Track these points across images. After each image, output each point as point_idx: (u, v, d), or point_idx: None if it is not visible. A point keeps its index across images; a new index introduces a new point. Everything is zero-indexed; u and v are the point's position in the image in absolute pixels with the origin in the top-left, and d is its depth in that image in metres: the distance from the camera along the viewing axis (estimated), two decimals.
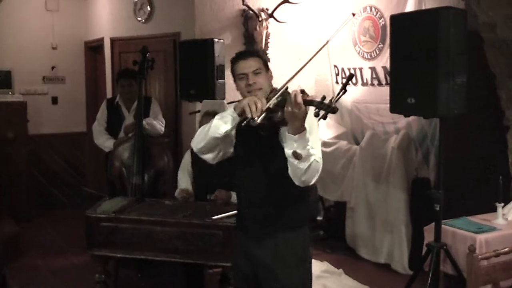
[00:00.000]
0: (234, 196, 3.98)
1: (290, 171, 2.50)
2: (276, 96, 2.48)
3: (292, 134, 2.40)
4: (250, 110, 2.42)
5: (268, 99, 2.50)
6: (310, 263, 2.79)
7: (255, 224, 2.68)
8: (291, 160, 2.44)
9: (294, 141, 2.40)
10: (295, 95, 2.33)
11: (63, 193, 7.59)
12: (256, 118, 2.41)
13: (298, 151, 2.39)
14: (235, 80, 2.75)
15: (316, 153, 2.46)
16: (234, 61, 2.74)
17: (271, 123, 2.50)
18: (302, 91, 2.41)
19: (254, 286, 2.73)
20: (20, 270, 5.07)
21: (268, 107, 2.45)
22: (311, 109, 2.47)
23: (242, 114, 2.49)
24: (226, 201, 3.92)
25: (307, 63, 2.82)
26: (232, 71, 2.76)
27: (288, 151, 2.44)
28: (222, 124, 2.59)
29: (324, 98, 2.33)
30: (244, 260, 2.73)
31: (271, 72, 2.78)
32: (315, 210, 2.79)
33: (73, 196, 7.56)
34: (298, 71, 2.69)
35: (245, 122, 2.46)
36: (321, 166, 2.50)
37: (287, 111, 2.37)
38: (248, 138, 2.66)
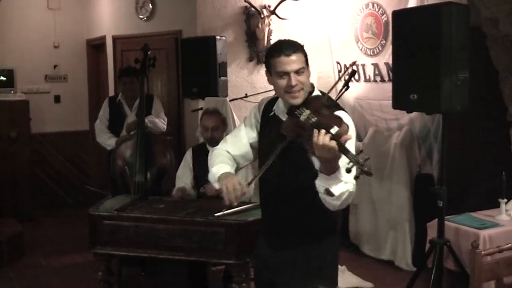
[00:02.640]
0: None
1: (322, 200, 2.20)
2: (308, 115, 2.11)
3: (324, 173, 2.10)
4: (229, 198, 2.27)
5: (304, 104, 2.22)
6: (330, 272, 2.54)
7: (275, 234, 2.56)
8: (324, 196, 2.15)
9: (326, 180, 2.10)
10: (319, 136, 1.99)
11: (66, 192, 7.59)
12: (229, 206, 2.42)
13: (331, 189, 2.09)
14: (270, 74, 2.39)
15: (351, 183, 2.12)
16: (274, 55, 2.33)
17: (297, 139, 2.17)
18: (332, 126, 1.99)
19: None
20: (23, 269, 5.08)
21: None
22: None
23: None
24: (216, 194, 3.90)
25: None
26: (269, 64, 2.37)
27: (320, 188, 2.14)
28: (214, 182, 2.44)
29: (361, 151, 1.98)
30: (264, 269, 2.62)
31: (309, 68, 2.42)
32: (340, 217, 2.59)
33: (76, 194, 7.54)
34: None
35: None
36: (355, 189, 2.17)
37: (314, 150, 2.03)
38: (272, 147, 2.42)
